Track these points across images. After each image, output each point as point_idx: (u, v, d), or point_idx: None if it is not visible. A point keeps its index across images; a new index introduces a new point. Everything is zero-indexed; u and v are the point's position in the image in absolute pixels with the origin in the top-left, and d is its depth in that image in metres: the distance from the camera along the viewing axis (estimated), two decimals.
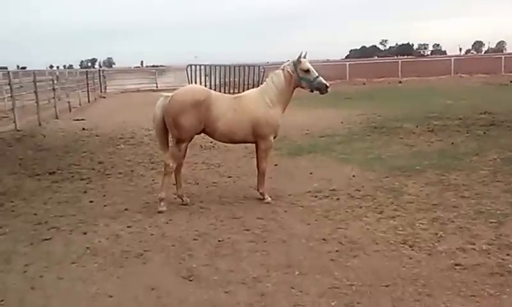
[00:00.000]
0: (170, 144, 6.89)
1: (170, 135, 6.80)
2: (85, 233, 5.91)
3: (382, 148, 10.86)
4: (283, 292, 4.32)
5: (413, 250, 5.17)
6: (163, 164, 6.96)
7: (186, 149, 6.97)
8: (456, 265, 4.75)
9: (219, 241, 5.54)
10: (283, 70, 7.01)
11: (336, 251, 5.18)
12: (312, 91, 7.13)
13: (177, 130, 6.56)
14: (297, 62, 6.93)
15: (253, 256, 5.14)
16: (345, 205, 6.76)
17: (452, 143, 10.98)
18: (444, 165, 8.82)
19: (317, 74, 7.00)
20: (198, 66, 21.38)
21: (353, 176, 8.41)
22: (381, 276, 4.59)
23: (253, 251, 5.26)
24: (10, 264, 5.07)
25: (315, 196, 7.25)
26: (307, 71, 6.95)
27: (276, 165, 9.54)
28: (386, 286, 4.39)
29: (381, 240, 5.43)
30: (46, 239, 5.75)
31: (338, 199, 7.08)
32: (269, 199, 7.07)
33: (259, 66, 21.40)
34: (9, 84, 15.71)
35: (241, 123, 6.77)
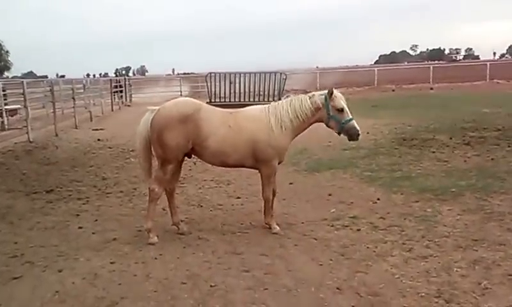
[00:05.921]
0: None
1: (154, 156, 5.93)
2: (60, 271, 5.08)
3: (412, 164, 9.75)
4: None
5: None
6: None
7: (179, 172, 6.13)
8: None
9: (211, 286, 4.62)
10: (310, 97, 5.98)
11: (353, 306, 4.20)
12: (339, 133, 6.11)
13: (162, 149, 5.66)
14: (329, 97, 5.87)
15: None
16: (366, 239, 5.75)
17: (492, 159, 9.82)
18: (484, 186, 7.68)
19: (351, 116, 5.94)
20: (219, 75, 20.69)
21: (378, 199, 7.39)
22: None
23: (249, 302, 4.31)
24: None
25: (332, 226, 6.26)
26: (341, 110, 5.90)
27: (291, 183, 8.62)
28: None
29: (409, 291, 4.40)
30: (15, 278, 4.96)
31: (358, 230, 6.09)
32: (278, 228, 6.12)
33: (280, 73, 20.43)
34: (22, 94, 15.16)
35: (237, 142, 5.80)
